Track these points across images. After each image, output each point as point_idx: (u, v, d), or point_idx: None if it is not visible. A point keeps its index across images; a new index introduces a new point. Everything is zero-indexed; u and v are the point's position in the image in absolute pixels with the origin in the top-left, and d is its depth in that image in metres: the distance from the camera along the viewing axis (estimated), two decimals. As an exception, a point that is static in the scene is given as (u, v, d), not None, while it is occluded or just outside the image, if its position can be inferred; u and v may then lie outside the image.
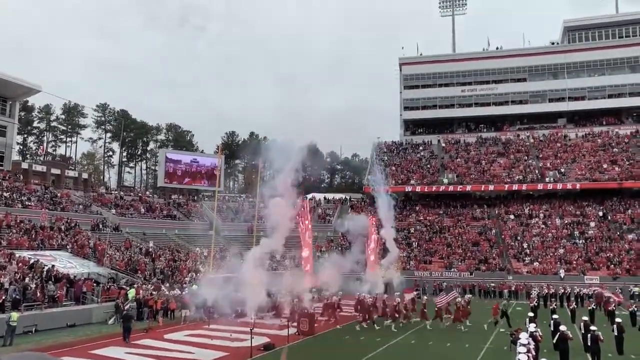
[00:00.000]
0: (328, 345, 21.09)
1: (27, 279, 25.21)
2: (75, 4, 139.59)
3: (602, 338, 16.55)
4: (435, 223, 55.10)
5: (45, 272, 27.30)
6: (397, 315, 25.47)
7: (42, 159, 72.65)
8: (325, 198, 66.37)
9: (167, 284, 32.58)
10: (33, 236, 34.41)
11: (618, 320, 19.41)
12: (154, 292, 28.01)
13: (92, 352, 18.62)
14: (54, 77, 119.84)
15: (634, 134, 60.30)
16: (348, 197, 66.70)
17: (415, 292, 34.59)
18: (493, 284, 42.25)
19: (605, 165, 55.01)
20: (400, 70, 70.34)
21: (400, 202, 56.12)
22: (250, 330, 18.82)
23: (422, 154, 66.19)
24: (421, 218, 56.70)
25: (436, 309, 25.51)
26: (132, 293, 27.18)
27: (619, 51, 62.26)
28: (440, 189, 57.89)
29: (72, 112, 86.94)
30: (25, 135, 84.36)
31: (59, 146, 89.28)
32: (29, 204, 41.95)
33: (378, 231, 40.10)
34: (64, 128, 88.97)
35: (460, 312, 24.74)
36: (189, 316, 26.39)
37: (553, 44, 68.20)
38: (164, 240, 48.93)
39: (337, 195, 68.45)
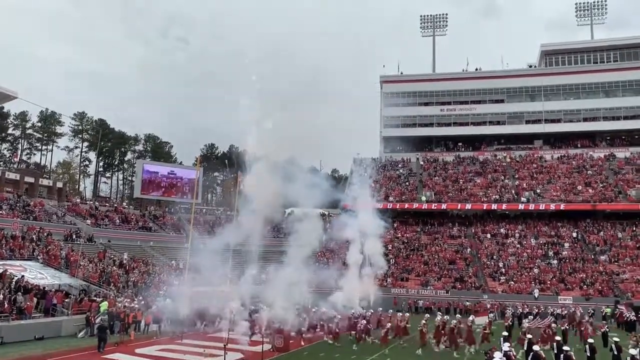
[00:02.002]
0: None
1: (-6, 290, 24.53)
2: (56, 12, 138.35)
3: (574, 358, 16.69)
4: (412, 240, 55.38)
5: (14, 283, 26.59)
6: (458, 340, 22.61)
7: (15, 166, 71.20)
8: (303, 213, 66.00)
9: (140, 297, 31.97)
10: (3, 245, 33.54)
11: (590, 340, 19.62)
12: (127, 305, 27.46)
13: (60, 366, 18.14)
14: (31, 84, 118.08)
15: (608, 157, 61.71)
16: (327, 212, 66.58)
17: (491, 315, 31.91)
18: (468, 303, 42.48)
19: (579, 187, 56.08)
20: (381, 88, 71.03)
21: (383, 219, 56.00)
22: (224, 345, 18.53)
23: (401, 171, 66.68)
24: (399, 235, 56.92)
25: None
26: (104, 306, 26.58)
27: (593, 76, 63.82)
28: (418, 207, 58.30)
29: (49, 119, 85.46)
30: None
31: (34, 154, 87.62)
32: (0, 212, 40.99)
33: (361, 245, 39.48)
34: (40, 136, 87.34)
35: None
36: (161, 330, 25.90)
37: (531, 67, 69.60)
38: (138, 252, 48.11)
39: (316, 210, 68.17)
